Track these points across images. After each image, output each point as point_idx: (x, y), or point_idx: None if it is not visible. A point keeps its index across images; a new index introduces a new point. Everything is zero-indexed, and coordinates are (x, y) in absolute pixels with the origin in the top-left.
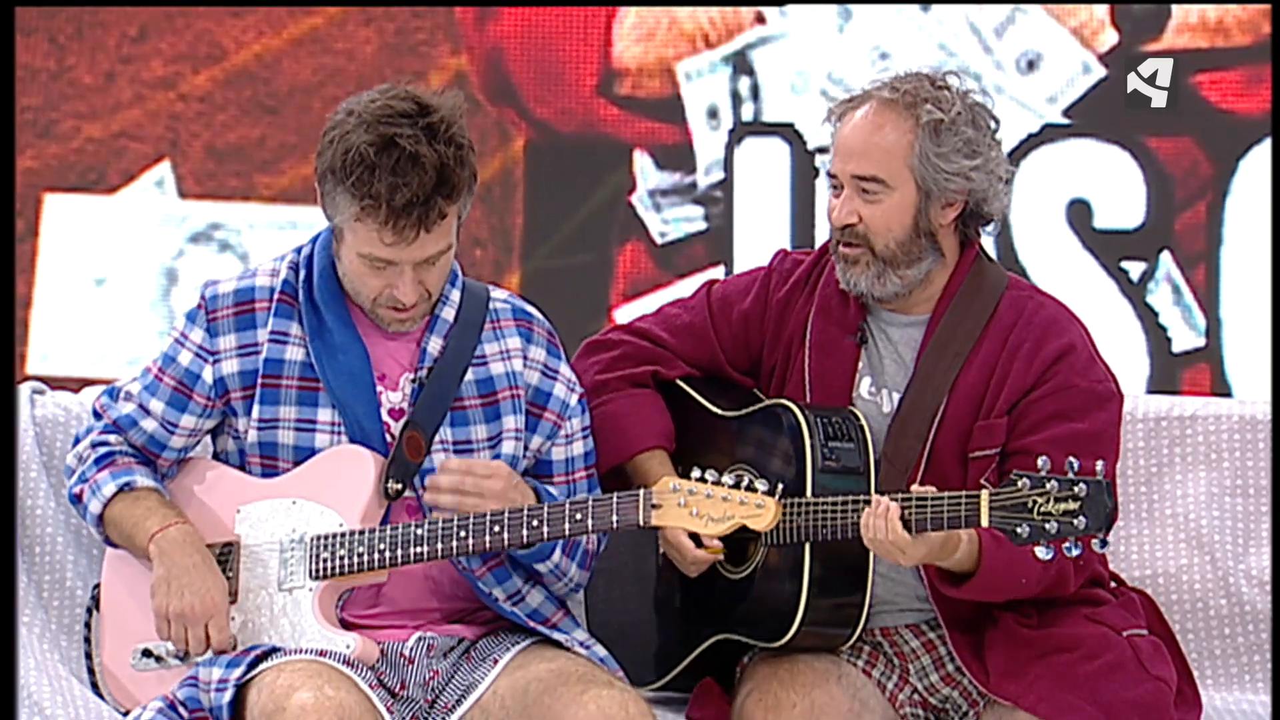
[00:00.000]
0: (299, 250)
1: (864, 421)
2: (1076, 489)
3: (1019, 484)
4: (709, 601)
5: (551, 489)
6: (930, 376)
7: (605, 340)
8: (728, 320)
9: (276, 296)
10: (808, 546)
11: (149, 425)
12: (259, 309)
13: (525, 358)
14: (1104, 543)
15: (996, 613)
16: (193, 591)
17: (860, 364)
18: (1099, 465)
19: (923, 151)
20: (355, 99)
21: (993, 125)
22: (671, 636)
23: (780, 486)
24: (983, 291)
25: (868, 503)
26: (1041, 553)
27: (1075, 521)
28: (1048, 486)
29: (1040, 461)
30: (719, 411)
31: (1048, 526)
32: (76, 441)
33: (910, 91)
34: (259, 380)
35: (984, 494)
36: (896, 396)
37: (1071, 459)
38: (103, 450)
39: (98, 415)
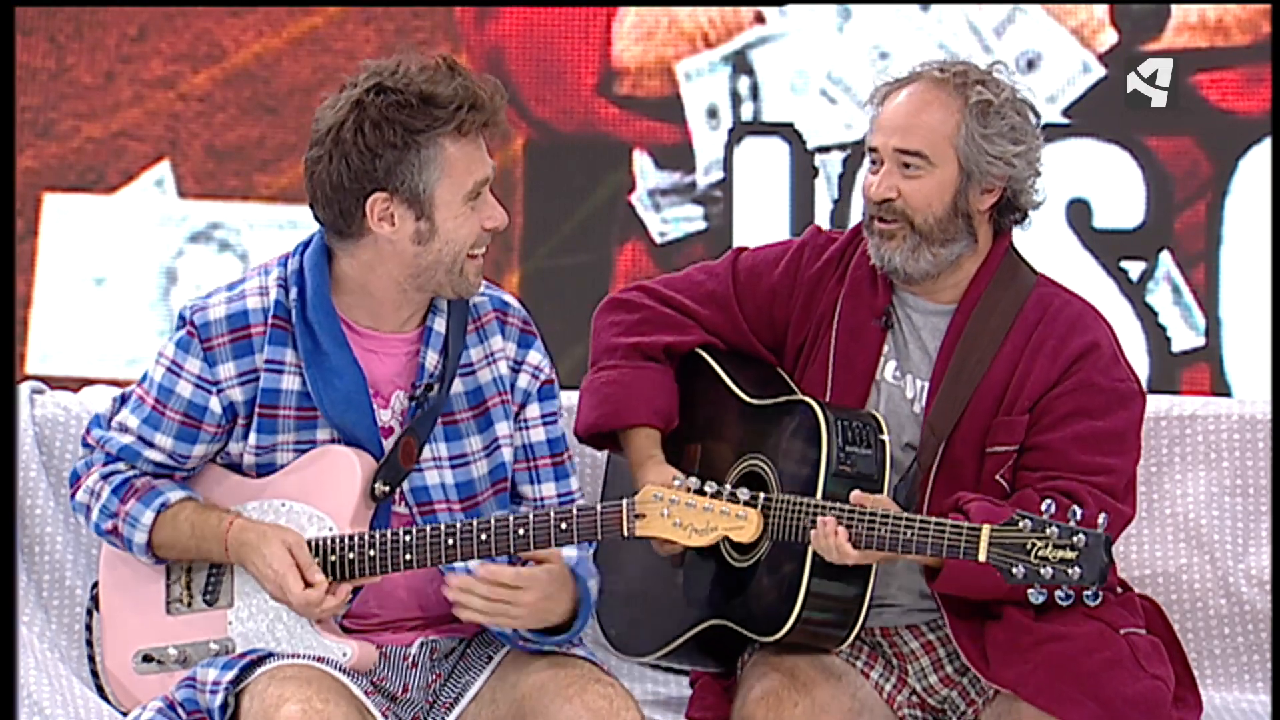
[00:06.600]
0: (283, 264)
1: (885, 429)
2: (1075, 539)
3: (1020, 524)
4: (710, 585)
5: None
6: (959, 373)
7: (628, 300)
8: (754, 292)
9: (270, 321)
10: (810, 548)
11: (156, 456)
12: (254, 334)
13: (506, 356)
14: (1096, 595)
15: (995, 606)
16: (268, 568)
17: (885, 348)
18: (1101, 518)
19: (969, 132)
20: (338, 97)
21: (1034, 119)
22: (669, 613)
23: (762, 497)
24: (1013, 286)
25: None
26: (1033, 595)
27: (1070, 571)
28: (1048, 531)
29: (1044, 504)
30: (742, 395)
31: (1043, 571)
32: (75, 477)
33: (960, 73)
34: (256, 409)
35: (985, 529)
36: (920, 383)
37: (1075, 508)
38: (118, 479)
39: (88, 446)
